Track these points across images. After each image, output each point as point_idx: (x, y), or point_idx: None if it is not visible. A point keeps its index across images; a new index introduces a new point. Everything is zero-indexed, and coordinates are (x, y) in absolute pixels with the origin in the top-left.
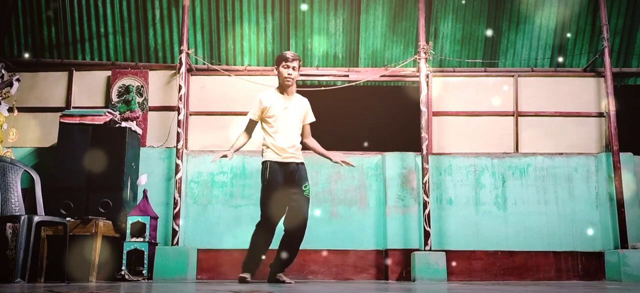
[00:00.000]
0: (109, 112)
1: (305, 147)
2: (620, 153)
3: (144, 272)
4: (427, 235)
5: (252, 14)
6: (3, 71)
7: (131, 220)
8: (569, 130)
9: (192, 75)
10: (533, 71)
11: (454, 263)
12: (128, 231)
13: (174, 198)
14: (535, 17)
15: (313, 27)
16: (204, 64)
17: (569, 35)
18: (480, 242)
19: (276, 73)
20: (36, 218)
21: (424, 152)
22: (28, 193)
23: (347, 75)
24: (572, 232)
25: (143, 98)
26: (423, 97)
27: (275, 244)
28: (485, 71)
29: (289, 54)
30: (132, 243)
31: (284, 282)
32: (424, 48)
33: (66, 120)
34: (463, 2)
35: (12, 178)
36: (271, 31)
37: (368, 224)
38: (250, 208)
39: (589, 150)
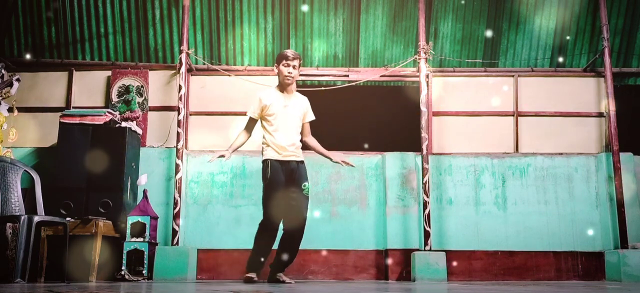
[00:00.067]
0: (109, 112)
1: (305, 145)
2: (620, 153)
3: (144, 272)
4: (427, 235)
5: (252, 14)
6: (3, 71)
7: (131, 220)
8: (569, 130)
9: (192, 75)
10: (533, 71)
11: (454, 263)
12: (128, 231)
13: (174, 198)
14: (535, 17)
15: (313, 27)
16: (204, 64)
17: (568, 36)
18: (480, 242)
19: (276, 71)
20: (36, 218)
21: (424, 152)
22: (28, 193)
23: (347, 75)
24: (572, 232)
25: (143, 98)
26: (423, 97)
27: (274, 244)
28: (485, 71)
29: (290, 52)
30: (132, 243)
31: (284, 281)
32: (424, 48)
33: (66, 120)
34: (463, 2)
35: (12, 178)
36: (271, 31)
37: (368, 224)
38: (250, 208)
39: (589, 150)
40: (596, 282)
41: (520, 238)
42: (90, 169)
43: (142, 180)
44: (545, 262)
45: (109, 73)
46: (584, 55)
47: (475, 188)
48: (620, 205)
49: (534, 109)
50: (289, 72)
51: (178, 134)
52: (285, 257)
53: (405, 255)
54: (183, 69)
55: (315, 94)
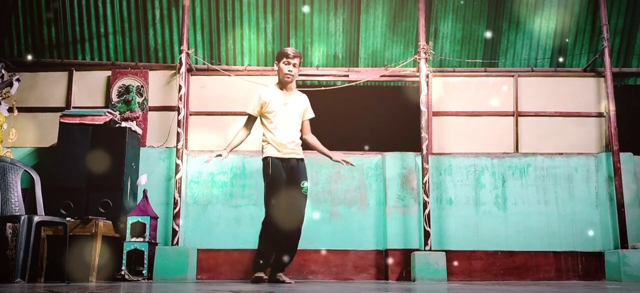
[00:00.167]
0: (109, 112)
1: (305, 143)
2: (620, 154)
3: (144, 272)
4: (427, 235)
5: (252, 14)
6: (3, 71)
7: (131, 220)
8: (569, 130)
9: (192, 75)
10: (533, 71)
11: (454, 263)
12: (128, 231)
13: (174, 198)
14: (535, 17)
15: (313, 27)
16: (204, 64)
17: (568, 36)
18: (480, 242)
19: (276, 69)
20: (36, 218)
21: (424, 152)
22: (28, 193)
23: (347, 75)
24: (572, 232)
25: (143, 98)
26: (423, 97)
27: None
28: (485, 71)
29: (290, 50)
30: (132, 243)
31: (284, 281)
32: (424, 48)
33: (66, 120)
34: (463, 2)
35: (12, 178)
36: (271, 31)
37: (368, 224)
38: (250, 208)
39: (589, 150)
40: (596, 282)
41: (520, 238)
42: (90, 169)
43: (142, 180)
44: (545, 262)
45: (109, 73)
46: (584, 55)
47: (475, 188)
48: (620, 205)
49: (534, 109)
50: (289, 70)
51: (178, 134)
52: (284, 256)
53: (405, 255)
54: (183, 69)
55: (315, 94)
